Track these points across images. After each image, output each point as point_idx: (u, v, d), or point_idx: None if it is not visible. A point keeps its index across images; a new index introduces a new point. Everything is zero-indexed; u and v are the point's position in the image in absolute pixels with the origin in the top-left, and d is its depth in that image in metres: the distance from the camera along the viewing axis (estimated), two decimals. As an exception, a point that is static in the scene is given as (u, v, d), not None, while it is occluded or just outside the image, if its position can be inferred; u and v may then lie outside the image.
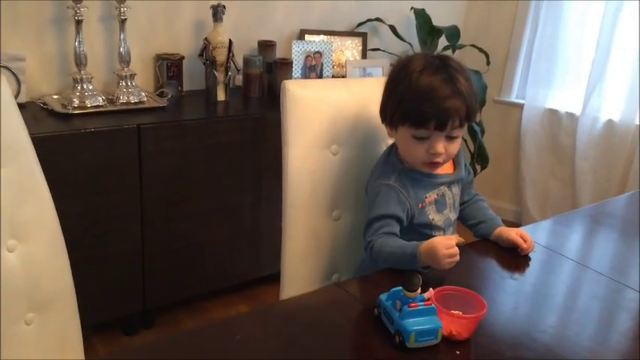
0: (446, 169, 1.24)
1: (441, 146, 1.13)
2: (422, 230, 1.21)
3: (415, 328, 0.87)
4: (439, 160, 1.16)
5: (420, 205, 1.20)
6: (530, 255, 1.23)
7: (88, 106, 1.92)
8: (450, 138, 1.14)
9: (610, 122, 2.79)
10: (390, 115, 1.17)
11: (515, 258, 1.22)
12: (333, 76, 2.57)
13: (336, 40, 2.65)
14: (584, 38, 2.86)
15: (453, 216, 1.27)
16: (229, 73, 2.25)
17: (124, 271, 1.96)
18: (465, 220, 1.34)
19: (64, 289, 1.12)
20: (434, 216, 1.22)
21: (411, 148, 1.15)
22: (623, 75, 2.73)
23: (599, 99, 2.79)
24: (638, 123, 2.71)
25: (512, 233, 1.22)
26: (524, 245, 1.20)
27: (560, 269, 1.23)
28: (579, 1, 2.83)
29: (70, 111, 1.88)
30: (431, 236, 1.19)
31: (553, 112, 2.98)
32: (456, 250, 1.05)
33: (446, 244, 1.04)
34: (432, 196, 1.21)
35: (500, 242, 1.24)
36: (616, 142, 2.78)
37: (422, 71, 1.12)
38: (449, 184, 1.24)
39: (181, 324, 2.15)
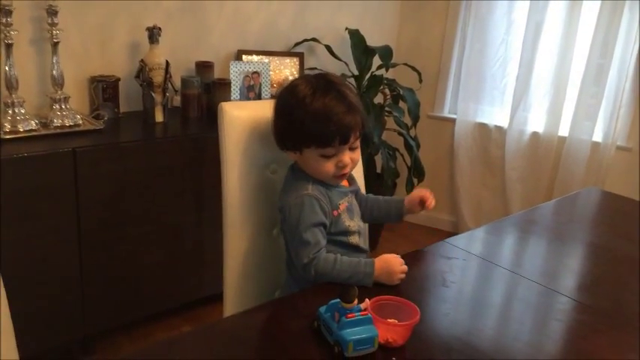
0: (344, 183, 1.33)
1: (347, 158, 1.23)
2: (339, 238, 1.26)
3: (353, 337, 0.91)
4: (347, 170, 1.25)
5: (336, 212, 1.26)
6: (463, 263, 1.30)
7: (21, 130, 1.88)
8: (352, 149, 1.24)
9: (535, 134, 2.97)
10: (292, 141, 1.23)
11: (447, 267, 1.28)
12: (271, 96, 2.61)
13: (274, 60, 2.70)
14: (508, 56, 3.03)
15: (362, 224, 1.36)
16: (167, 94, 2.25)
17: (62, 297, 1.91)
18: (379, 218, 1.42)
19: (1, 323, 1.09)
20: (349, 222, 1.28)
21: (321, 165, 1.22)
22: (544, 90, 2.92)
23: (524, 113, 2.97)
24: (560, 134, 2.90)
25: (415, 194, 1.36)
26: (428, 194, 1.35)
27: (492, 276, 1.31)
28: (503, 21, 3.00)
29: (2, 136, 1.83)
30: (348, 243, 1.27)
31: (483, 126, 3.14)
32: (406, 267, 1.15)
33: (399, 262, 1.15)
34: (344, 203, 1.28)
35: (414, 209, 1.36)
36: (541, 152, 2.96)
37: (313, 95, 1.19)
38: (354, 194, 1.34)
39: (123, 349, 2.11)
